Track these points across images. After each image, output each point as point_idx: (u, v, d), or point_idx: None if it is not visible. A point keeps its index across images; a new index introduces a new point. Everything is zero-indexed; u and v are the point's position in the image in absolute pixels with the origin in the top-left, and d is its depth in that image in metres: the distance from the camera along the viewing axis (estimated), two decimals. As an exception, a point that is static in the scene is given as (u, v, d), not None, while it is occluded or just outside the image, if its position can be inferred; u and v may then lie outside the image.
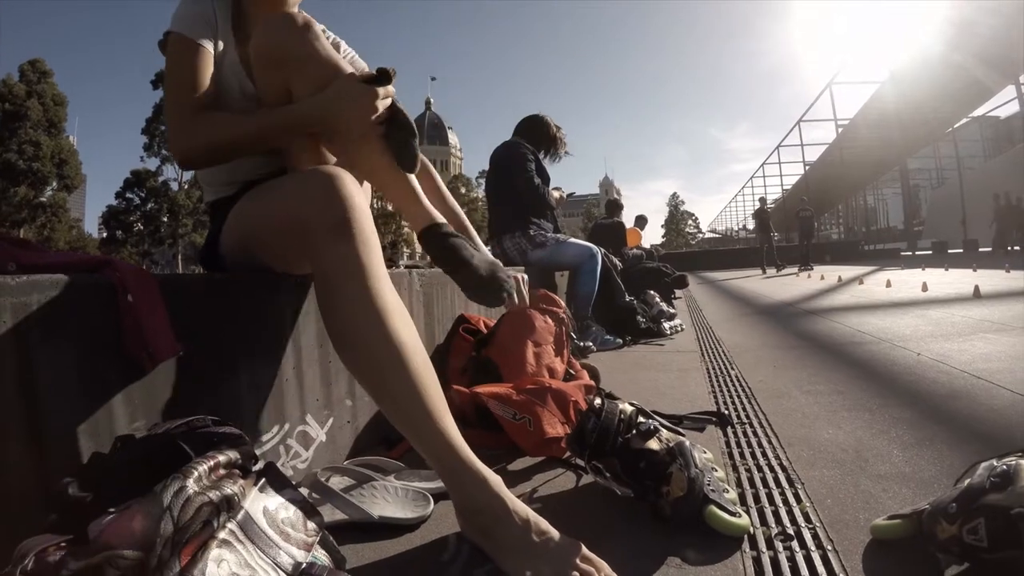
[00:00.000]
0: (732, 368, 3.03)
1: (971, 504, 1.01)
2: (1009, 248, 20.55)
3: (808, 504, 1.36)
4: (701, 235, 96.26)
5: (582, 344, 3.71)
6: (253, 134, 1.49)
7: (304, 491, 1.33)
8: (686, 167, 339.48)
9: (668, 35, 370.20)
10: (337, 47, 1.92)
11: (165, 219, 50.67)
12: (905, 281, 8.81)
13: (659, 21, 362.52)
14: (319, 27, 1.52)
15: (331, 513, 1.34)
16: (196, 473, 0.95)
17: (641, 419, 1.48)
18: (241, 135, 1.49)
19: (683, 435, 1.47)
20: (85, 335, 1.06)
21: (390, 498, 1.43)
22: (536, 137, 4.60)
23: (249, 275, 1.56)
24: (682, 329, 4.83)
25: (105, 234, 53.24)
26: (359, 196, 1.29)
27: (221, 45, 1.62)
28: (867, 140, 29.86)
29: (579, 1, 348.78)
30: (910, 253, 28.53)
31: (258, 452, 1.40)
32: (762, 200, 21.57)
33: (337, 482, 1.45)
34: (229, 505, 0.95)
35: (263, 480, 1.06)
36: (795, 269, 17.18)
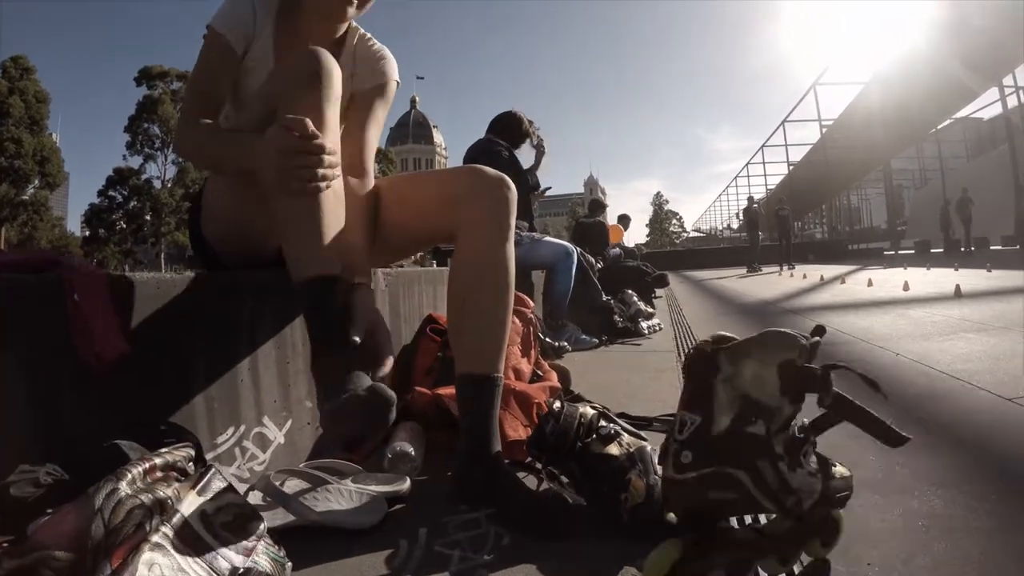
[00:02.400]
0: (708, 369, 2.97)
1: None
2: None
3: (774, 511, 1.31)
4: (686, 234, 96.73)
5: (557, 344, 3.67)
6: (216, 157, 1.60)
7: (257, 494, 1.34)
8: (671, 167, 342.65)
9: (653, 35, 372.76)
10: (380, 57, 1.86)
11: (148, 217, 50.68)
12: (887, 280, 8.86)
13: (644, 21, 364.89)
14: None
15: (284, 516, 1.32)
16: (130, 476, 0.96)
17: (603, 423, 1.43)
18: (210, 155, 1.61)
19: (645, 440, 1.42)
20: (33, 336, 1.07)
21: (344, 502, 1.40)
22: (509, 133, 4.56)
23: (205, 275, 1.56)
24: (660, 328, 4.82)
25: (88, 233, 53.13)
26: (337, 70, 1.48)
27: (258, 48, 1.68)
28: (851, 140, 30.05)
29: (568, 4, 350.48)
30: (893, 252, 28.68)
31: (212, 455, 1.42)
32: (750, 199, 21.71)
33: (292, 485, 1.42)
34: (163, 508, 0.95)
35: (203, 483, 1.03)
36: (776, 268, 17.25)
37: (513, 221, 1.60)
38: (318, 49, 1.46)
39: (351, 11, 1.68)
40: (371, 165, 1.76)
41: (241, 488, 1.31)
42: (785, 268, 17.04)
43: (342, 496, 1.40)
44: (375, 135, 1.81)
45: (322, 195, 1.35)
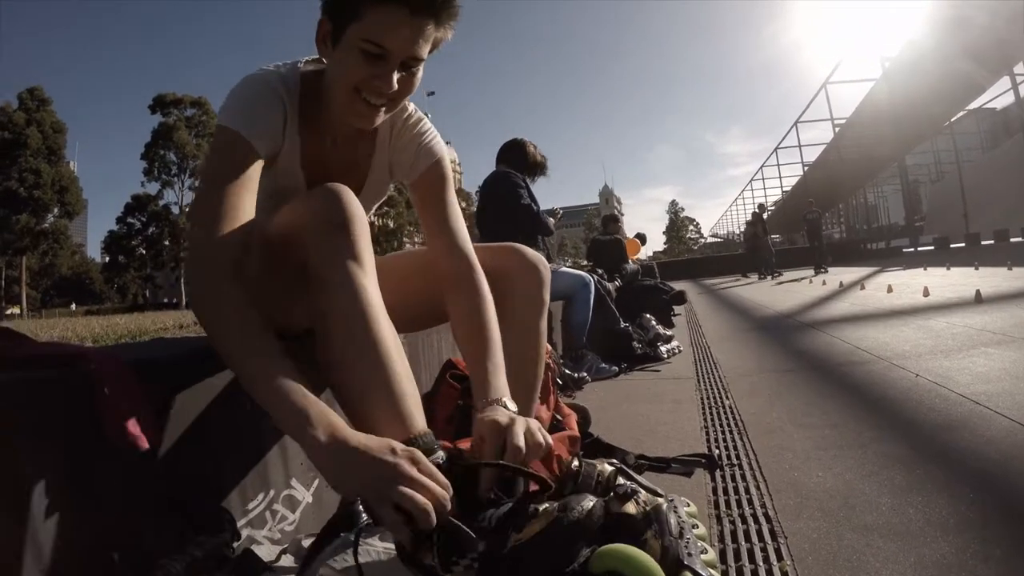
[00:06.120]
0: (727, 398, 3.00)
1: None
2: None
3: (788, 563, 1.34)
4: (703, 240, 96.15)
5: (576, 375, 3.68)
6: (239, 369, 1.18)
7: (289, 557, 1.34)
8: (683, 172, 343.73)
9: (661, 44, 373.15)
10: (420, 137, 1.71)
11: (167, 243, 51.14)
12: (907, 284, 8.82)
13: (652, 30, 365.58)
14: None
15: None
16: (173, 571, 1.04)
17: (620, 480, 1.46)
18: (231, 354, 1.18)
19: (662, 496, 1.44)
20: (67, 427, 1.08)
21: (372, 561, 1.41)
22: (521, 163, 4.62)
23: None
24: (679, 351, 4.79)
25: (107, 259, 53.74)
26: (361, 212, 1.32)
27: (286, 144, 1.51)
28: (864, 138, 29.86)
29: (575, 13, 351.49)
30: (912, 250, 28.46)
31: (244, 520, 1.43)
32: (761, 206, 21.61)
33: None
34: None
35: (239, 567, 1.12)
36: (810, 272, 17.11)
37: (548, 297, 1.77)
38: (338, 191, 1.31)
39: (379, 119, 1.50)
40: (470, 248, 1.64)
41: (273, 551, 1.36)
42: (820, 272, 16.81)
43: (370, 556, 1.42)
44: (455, 215, 1.69)
45: (387, 349, 1.24)
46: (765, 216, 21.10)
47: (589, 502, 1.18)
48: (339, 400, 1.24)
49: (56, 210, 46.18)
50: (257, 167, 1.39)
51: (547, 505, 1.19)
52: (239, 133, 1.36)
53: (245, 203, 1.33)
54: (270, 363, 1.14)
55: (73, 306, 59.49)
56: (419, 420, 1.21)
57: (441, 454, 1.17)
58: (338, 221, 1.28)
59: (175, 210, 50.99)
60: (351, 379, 1.21)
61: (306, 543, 1.38)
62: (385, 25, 1.30)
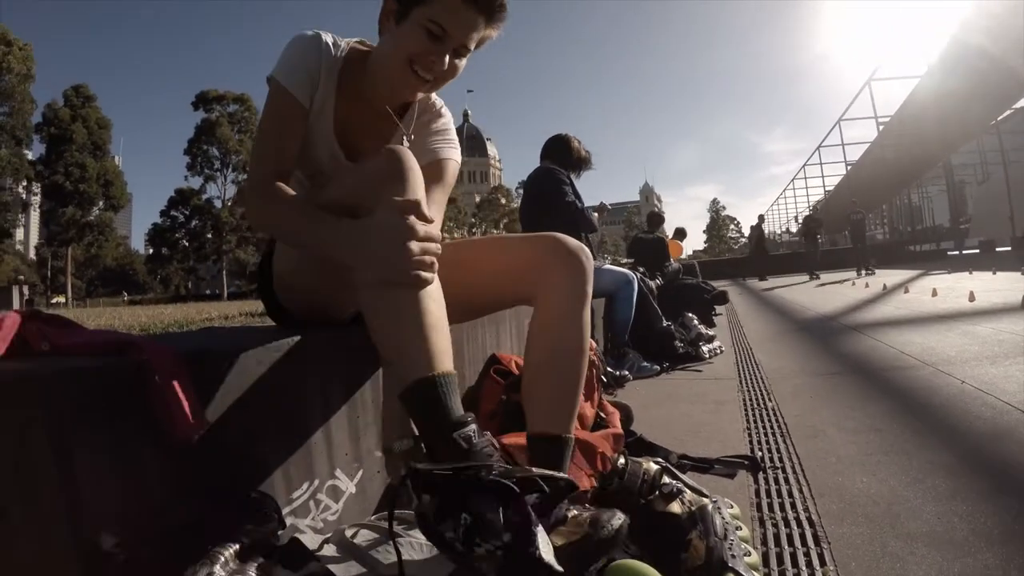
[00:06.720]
0: (769, 400, 2.99)
1: None
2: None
3: (832, 568, 1.34)
4: (743, 239, 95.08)
5: (618, 373, 3.68)
6: (301, 239, 1.48)
7: (331, 547, 1.35)
8: (725, 171, 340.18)
9: (705, 42, 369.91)
10: (436, 133, 1.77)
11: (209, 236, 51.82)
12: (952, 288, 8.65)
13: (698, 29, 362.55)
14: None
15: (358, 569, 1.33)
16: (223, 558, 1.04)
17: (665, 479, 1.47)
18: (295, 237, 1.51)
19: (707, 496, 1.45)
20: (116, 415, 1.10)
21: (415, 553, 1.41)
22: (565, 158, 4.63)
23: (276, 341, 1.57)
24: (721, 351, 4.76)
25: (151, 251, 54.67)
26: (417, 168, 1.39)
27: (318, 102, 1.62)
28: (909, 137, 29.18)
29: (620, 11, 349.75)
30: (957, 253, 27.91)
31: (288, 509, 1.44)
32: (815, 208, 21.44)
33: (364, 536, 1.44)
34: (254, 586, 1.01)
35: (287, 556, 1.12)
36: (853, 274, 16.99)
37: (591, 288, 1.67)
38: (398, 151, 1.38)
39: (420, 95, 1.65)
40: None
41: (316, 539, 1.37)
42: (863, 273, 16.67)
43: (412, 548, 1.40)
44: (438, 214, 1.63)
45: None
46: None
47: (618, 520, 1.18)
48: (372, 327, 1.30)
49: (101, 203, 47.13)
50: (297, 112, 1.57)
51: (576, 513, 1.20)
52: (281, 84, 1.55)
53: (289, 143, 1.57)
54: (315, 215, 1.40)
55: (124, 296, 60.27)
56: (447, 360, 1.26)
57: (473, 427, 1.19)
58: (394, 173, 1.34)
59: (217, 204, 51.81)
60: (387, 306, 1.27)
61: (349, 533, 1.40)
62: (450, 11, 1.45)
